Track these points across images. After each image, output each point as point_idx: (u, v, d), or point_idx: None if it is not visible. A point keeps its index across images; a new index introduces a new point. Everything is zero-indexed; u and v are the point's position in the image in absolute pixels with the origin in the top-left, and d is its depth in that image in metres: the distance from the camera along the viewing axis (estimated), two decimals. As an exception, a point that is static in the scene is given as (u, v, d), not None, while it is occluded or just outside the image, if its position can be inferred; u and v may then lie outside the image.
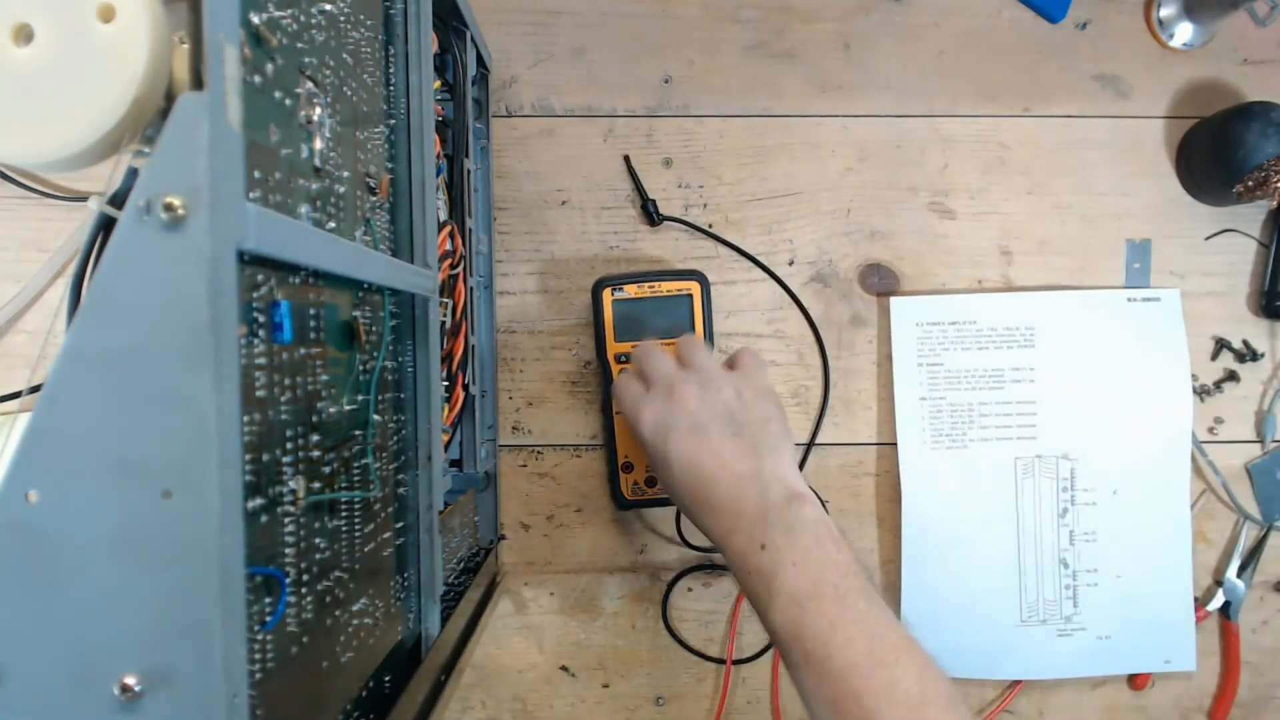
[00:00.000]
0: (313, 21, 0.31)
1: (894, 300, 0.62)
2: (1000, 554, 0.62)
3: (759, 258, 0.63)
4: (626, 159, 0.62)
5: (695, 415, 0.46)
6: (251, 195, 0.26)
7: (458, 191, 0.52)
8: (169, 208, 0.21)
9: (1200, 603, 0.63)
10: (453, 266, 0.50)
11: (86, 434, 0.21)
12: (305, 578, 0.30)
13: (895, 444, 0.62)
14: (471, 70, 0.54)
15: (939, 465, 0.62)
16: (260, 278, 0.27)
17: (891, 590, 0.62)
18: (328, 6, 0.33)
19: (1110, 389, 0.62)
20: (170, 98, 0.24)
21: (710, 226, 0.63)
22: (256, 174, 0.27)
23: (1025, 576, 0.62)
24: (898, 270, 0.63)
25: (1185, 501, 0.62)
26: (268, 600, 0.27)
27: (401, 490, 0.41)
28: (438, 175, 0.48)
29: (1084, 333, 0.62)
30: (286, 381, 0.28)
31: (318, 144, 0.31)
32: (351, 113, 0.35)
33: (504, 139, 0.63)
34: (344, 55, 0.35)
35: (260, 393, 0.27)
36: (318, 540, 0.31)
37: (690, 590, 0.63)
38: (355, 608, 0.35)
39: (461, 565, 0.55)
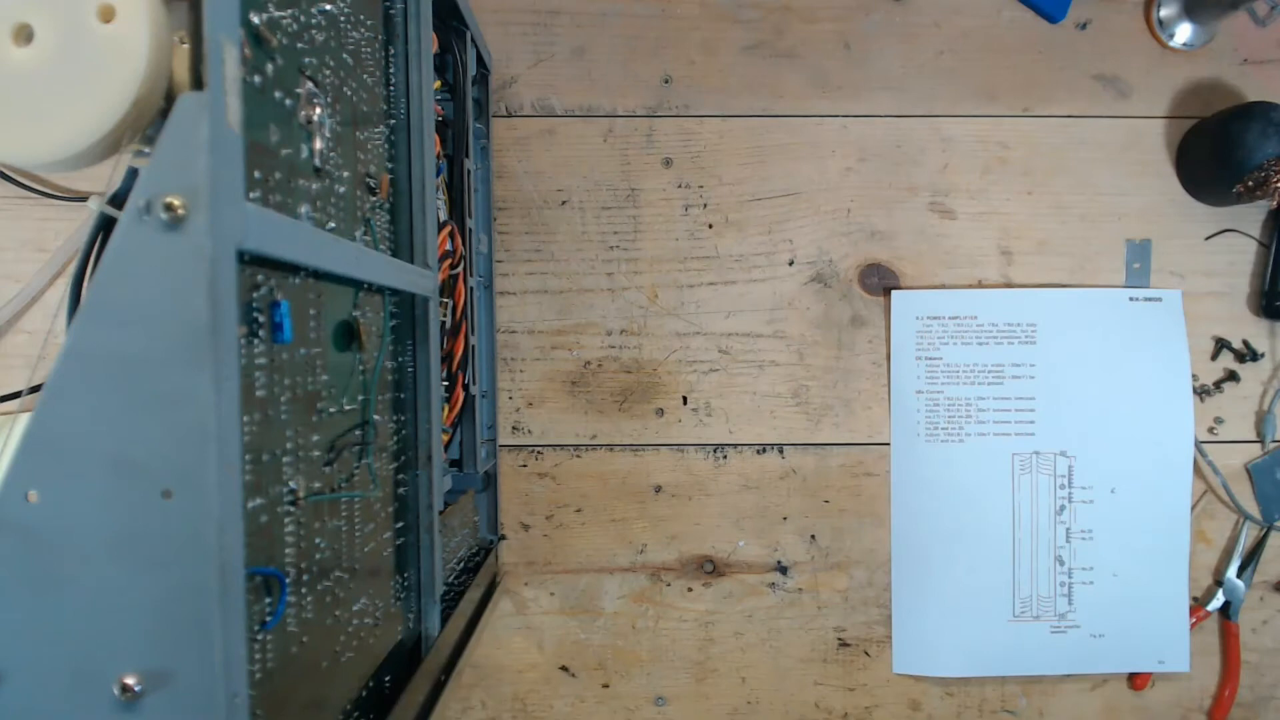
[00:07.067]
0: (313, 21, 0.31)
1: (894, 293, 0.63)
2: (994, 549, 0.62)
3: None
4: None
5: None
6: (251, 195, 0.26)
7: (458, 191, 0.52)
8: (169, 208, 0.21)
9: (1200, 603, 0.63)
10: (453, 266, 0.50)
11: (86, 434, 0.21)
12: (305, 578, 0.30)
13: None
14: (471, 70, 0.54)
15: (934, 458, 0.62)
16: (260, 278, 0.27)
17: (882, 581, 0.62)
18: (328, 6, 0.33)
19: (1110, 388, 0.62)
20: (170, 98, 0.24)
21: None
22: (256, 174, 0.27)
23: (1019, 572, 0.62)
24: (898, 270, 0.63)
25: (1185, 502, 0.62)
26: (268, 600, 0.27)
27: (401, 490, 0.41)
28: (438, 175, 0.48)
29: (1085, 331, 0.62)
30: (286, 381, 0.28)
31: (318, 144, 0.31)
32: (351, 113, 0.35)
33: (504, 139, 0.63)
34: (344, 55, 0.35)
35: (260, 393, 0.27)
36: (318, 540, 0.31)
37: (690, 590, 0.63)
38: (355, 608, 0.35)
39: (461, 565, 0.55)
